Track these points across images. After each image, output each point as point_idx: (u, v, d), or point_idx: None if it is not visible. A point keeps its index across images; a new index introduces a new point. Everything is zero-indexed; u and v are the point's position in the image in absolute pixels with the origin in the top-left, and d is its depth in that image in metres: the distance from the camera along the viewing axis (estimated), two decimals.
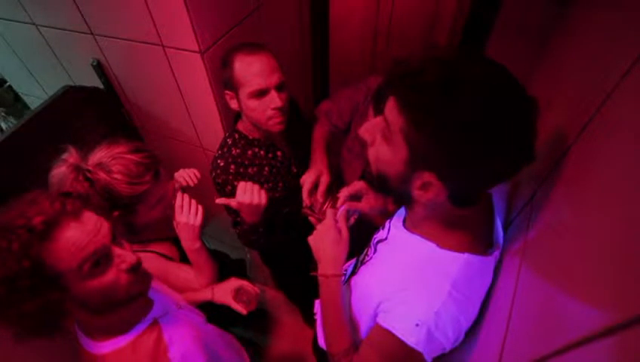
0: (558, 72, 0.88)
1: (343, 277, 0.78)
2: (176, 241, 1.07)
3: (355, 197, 0.95)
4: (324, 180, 1.11)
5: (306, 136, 1.25)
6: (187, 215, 0.96)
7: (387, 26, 1.64)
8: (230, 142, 1.12)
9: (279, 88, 0.99)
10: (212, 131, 1.28)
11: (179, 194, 0.97)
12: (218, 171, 1.10)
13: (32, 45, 1.38)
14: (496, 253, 0.63)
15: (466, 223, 0.61)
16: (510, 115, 0.46)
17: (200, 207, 0.98)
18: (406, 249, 0.66)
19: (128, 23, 1.08)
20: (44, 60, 1.41)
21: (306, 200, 1.08)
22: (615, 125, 0.45)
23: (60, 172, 0.84)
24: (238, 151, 1.11)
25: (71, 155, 0.85)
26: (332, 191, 1.16)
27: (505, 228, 0.72)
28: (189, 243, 0.98)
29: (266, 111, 0.99)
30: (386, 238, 0.75)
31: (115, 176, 0.84)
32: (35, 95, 1.71)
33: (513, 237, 0.67)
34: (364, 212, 0.95)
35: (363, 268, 0.78)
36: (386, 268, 0.70)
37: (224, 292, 1.03)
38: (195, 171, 1.20)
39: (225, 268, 1.16)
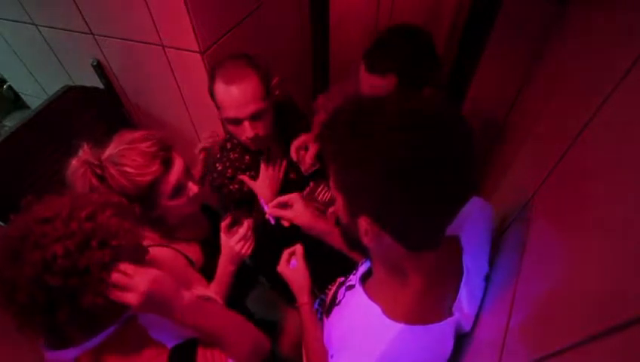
0: (557, 71, 0.88)
1: (309, 306, 0.86)
2: (202, 245, 1.04)
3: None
4: (315, 146, 1.14)
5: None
6: (243, 245, 0.95)
7: (387, 25, 1.64)
8: (229, 146, 1.13)
9: (254, 118, 0.96)
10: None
11: (246, 223, 0.97)
12: (215, 175, 1.11)
13: (32, 45, 1.38)
14: (456, 316, 0.59)
15: (417, 289, 0.58)
16: (423, 150, 0.44)
17: (253, 241, 0.99)
18: (358, 308, 0.65)
19: (128, 23, 1.08)
20: (44, 60, 1.41)
21: (293, 155, 1.12)
22: (615, 126, 0.45)
23: (71, 166, 0.81)
24: (236, 155, 1.12)
25: (84, 151, 0.82)
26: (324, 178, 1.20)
27: (500, 234, 0.72)
28: (228, 264, 0.97)
29: (241, 136, 1.00)
30: (354, 286, 0.74)
31: (124, 168, 0.80)
32: (35, 95, 1.71)
33: (511, 237, 0.67)
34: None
35: (334, 309, 0.78)
36: (341, 321, 0.70)
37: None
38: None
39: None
